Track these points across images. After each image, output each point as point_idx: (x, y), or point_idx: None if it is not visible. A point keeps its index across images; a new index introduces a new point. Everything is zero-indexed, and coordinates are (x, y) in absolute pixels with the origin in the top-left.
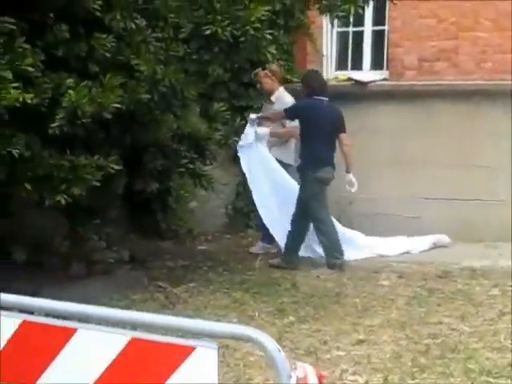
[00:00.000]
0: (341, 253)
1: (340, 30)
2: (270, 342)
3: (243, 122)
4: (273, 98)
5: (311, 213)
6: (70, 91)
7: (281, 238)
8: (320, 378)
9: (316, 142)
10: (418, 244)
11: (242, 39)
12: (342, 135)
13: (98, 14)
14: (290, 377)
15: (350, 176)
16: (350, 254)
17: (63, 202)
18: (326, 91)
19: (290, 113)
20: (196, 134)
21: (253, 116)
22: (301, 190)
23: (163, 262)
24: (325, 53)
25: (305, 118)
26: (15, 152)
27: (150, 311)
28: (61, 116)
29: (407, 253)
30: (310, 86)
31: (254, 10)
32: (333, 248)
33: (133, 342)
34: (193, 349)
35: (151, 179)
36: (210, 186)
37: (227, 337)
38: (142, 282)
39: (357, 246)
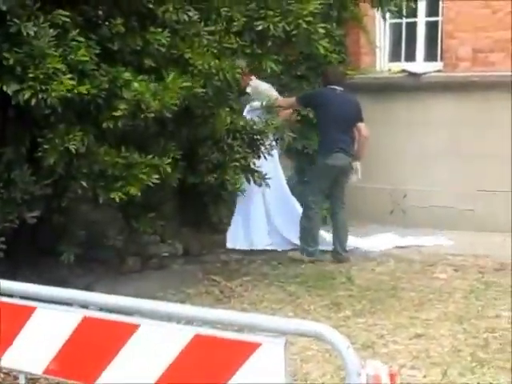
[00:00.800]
0: (316, 242)
1: (393, 21)
2: (340, 339)
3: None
4: (248, 90)
5: (305, 196)
6: (135, 83)
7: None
8: (392, 377)
9: (328, 129)
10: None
11: (295, 33)
12: (360, 124)
13: (150, 6)
14: (360, 375)
15: (357, 164)
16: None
17: (117, 199)
18: (342, 82)
19: (302, 100)
20: (249, 128)
21: (255, 104)
22: (309, 175)
23: (217, 255)
24: (378, 44)
25: (316, 105)
26: (72, 147)
27: (204, 305)
28: (123, 107)
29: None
30: (325, 77)
31: (307, 4)
32: (309, 237)
33: (196, 338)
34: (259, 345)
35: (206, 173)
36: (262, 181)
37: (296, 333)
38: (196, 275)
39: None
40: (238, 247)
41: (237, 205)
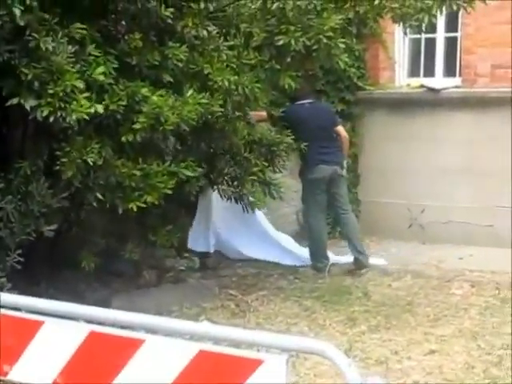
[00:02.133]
0: (326, 258)
1: (412, 36)
2: (340, 357)
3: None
4: None
5: (305, 215)
6: (154, 97)
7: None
8: None
9: (307, 143)
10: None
11: (315, 48)
12: (337, 128)
13: (169, 21)
14: None
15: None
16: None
17: (135, 208)
18: (308, 94)
19: (282, 121)
20: (266, 140)
21: None
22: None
23: (234, 269)
24: (397, 59)
25: (290, 124)
26: (90, 160)
27: (220, 319)
28: (142, 120)
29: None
30: (293, 95)
31: (327, 19)
32: (318, 253)
33: (201, 354)
34: (261, 362)
35: (225, 186)
36: (278, 194)
37: (297, 350)
38: (212, 289)
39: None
40: (198, 249)
41: (198, 206)
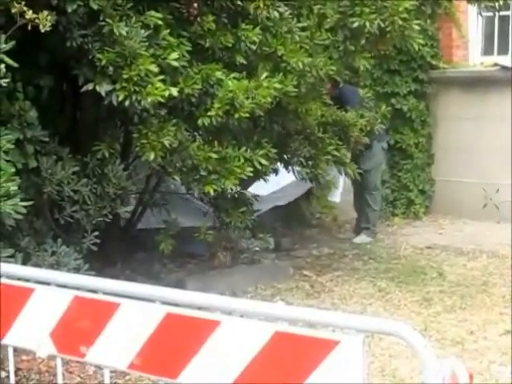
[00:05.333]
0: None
1: (486, 14)
2: (416, 337)
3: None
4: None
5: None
6: (228, 81)
7: None
8: (470, 377)
9: None
10: None
11: (389, 29)
12: None
13: (241, 3)
14: (438, 374)
15: None
16: None
17: (212, 192)
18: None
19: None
20: (341, 121)
21: None
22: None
23: (308, 250)
24: (470, 38)
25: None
26: (167, 142)
27: (295, 300)
28: (217, 106)
29: None
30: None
31: (402, 1)
32: (375, 220)
33: (276, 335)
34: (337, 342)
35: (299, 167)
36: (354, 173)
37: (373, 331)
38: (287, 270)
39: None
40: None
41: None
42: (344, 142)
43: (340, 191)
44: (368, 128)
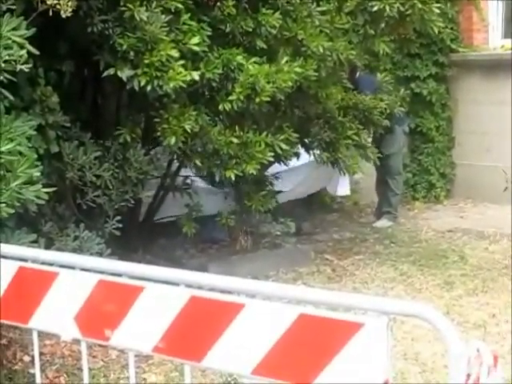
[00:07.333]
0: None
1: None
2: (440, 319)
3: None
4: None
5: (393, 166)
6: (249, 66)
7: None
8: (495, 359)
9: None
10: None
11: (409, 13)
12: None
13: None
14: (463, 356)
15: None
16: None
17: (233, 177)
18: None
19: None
20: (360, 104)
21: None
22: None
23: (329, 234)
24: (490, 21)
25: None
26: (188, 127)
27: (317, 284)
28: (238, 91)
29: None
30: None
31: None
32: (397, 205)
33: (301, 318)
34: (362, 325)
35: (319, 151)
36: (374, 157)
37: (395, 313)
38: (308, 254)
39: None
40: None
41: None
42: (364, 126)
43: (348, 185)
44: (388, 111)
